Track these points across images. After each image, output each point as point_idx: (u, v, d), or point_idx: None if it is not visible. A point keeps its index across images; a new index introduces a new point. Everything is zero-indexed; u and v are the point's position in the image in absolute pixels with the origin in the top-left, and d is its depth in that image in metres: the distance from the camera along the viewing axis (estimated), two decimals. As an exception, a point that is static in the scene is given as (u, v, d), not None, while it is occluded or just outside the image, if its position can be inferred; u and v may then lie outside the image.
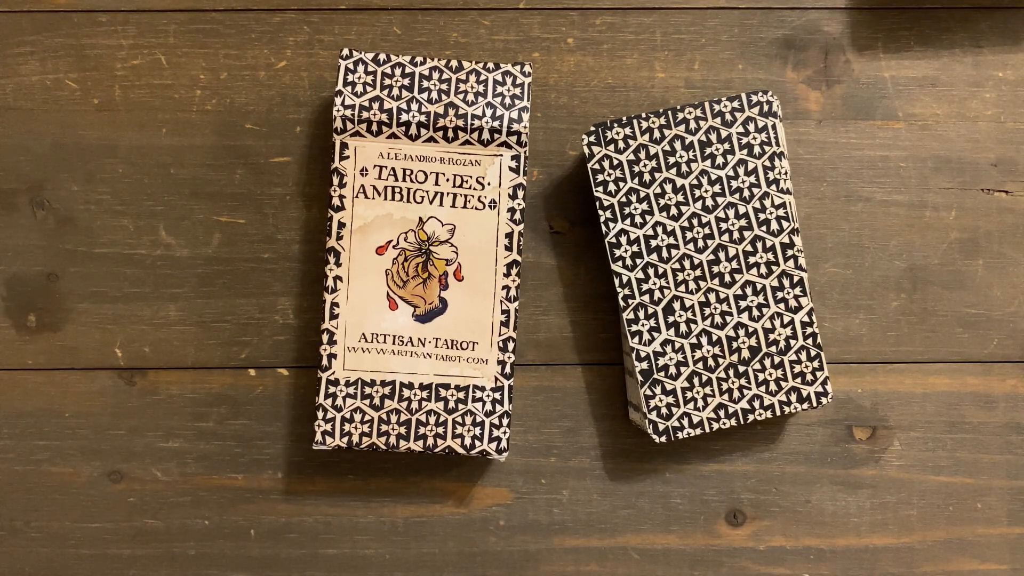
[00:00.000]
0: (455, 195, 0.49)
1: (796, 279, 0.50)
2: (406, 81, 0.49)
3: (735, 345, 0.50)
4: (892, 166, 0.54)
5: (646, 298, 0.50)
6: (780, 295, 0.50)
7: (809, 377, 0.50)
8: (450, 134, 0.49)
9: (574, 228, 0.53)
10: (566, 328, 0.53)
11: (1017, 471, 0.54)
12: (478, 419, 0.49)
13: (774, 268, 0.50)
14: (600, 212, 0.50)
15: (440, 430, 0.49)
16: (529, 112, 0.50)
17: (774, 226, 0.50)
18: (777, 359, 0.50)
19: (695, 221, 0.50)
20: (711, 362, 0.50)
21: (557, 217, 0.53)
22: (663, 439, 0.50)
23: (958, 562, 0.54)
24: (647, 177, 0.50)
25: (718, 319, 0.50)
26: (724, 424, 0.50)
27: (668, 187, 0.50)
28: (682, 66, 0.54)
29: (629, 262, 0.50)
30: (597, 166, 0.50)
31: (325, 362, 0.49)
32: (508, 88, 0.49)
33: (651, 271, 0.50)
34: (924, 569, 0.54)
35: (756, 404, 0.50)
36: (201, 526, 0.53)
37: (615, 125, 0.50)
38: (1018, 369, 0.54)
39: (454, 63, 0.49)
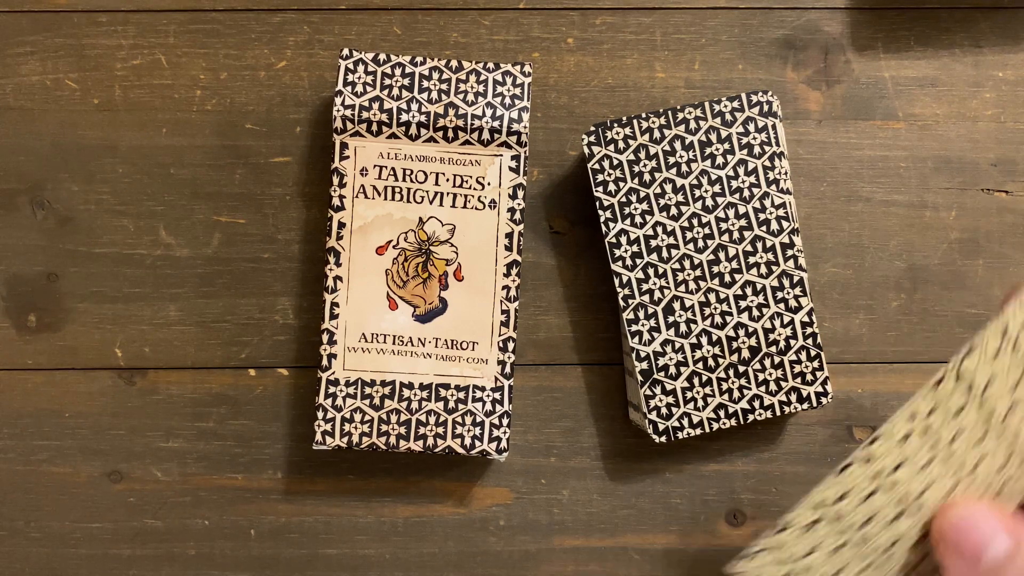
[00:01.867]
0: (455, 195, 0.49)
1: (796, 279, 0.50)
2: (406, 81, 0.49)
3: (735, 345, 0.50)
4: (892, 166, 0.54)
5: (646, 298, 0.50)
6: (780, 295, 0.50)
7: (809, 377, 0.50)
8: (450, 134, 0.49)
9: (574, 228, 0.53)
10: (566, 328, 0.53)
11: (1017, 471, 0.54)
12: (478, 419, 0.49)
13: (774, 268, 0.50)
14: (600, 212, 0.49)
15: (440, 430, 0.49)
16: (529, 112, 0.50)
17: (774, 226, 0.50)
18: (777, 359, 0.50)
19: (695, 221, 0.50)
20: (711, 362, 0.50)
21: (557, 217, 0.53)
22: (663, 439, 0.50)
23: (958, 562, 0.54)
24: (647, 177, 0.50)
25: (718, 319, 0.50)
26: (724, 424, 0.50)
27: (668, 187, 0.50)
28: (682, 66, 0.54)
29: (629, 262, 0.50)
30: (597, 166, 0.50)
31: (325, 362, 0.49)
32: (508, 88, 0.49)
33: (651, 271, 0.50)
34: (924, 569, 0.54)
35: (756, 404, 0.50)
36: (201, 526, 0.53)
37: (615, 125, 0.49)
38: (1018, 369, 0.54)
39: (454, 63, 0.49)
